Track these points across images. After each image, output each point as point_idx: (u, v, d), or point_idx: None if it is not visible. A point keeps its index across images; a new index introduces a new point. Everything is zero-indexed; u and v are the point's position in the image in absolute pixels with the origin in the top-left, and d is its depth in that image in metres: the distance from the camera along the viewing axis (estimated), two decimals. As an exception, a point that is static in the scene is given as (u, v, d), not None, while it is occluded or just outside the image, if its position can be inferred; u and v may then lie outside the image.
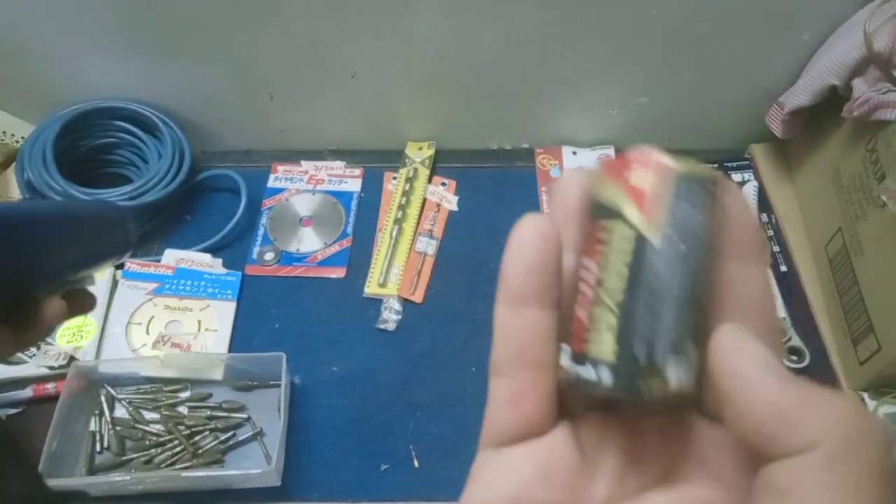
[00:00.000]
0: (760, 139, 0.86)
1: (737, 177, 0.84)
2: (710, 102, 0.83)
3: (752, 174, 0.84)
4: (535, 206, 0.83)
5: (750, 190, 0.82)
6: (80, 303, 0.44)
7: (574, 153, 0.88)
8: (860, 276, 0.66)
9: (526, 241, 0.19)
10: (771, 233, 0.78)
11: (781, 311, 0.70)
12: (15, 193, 0.76)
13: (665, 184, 0.18)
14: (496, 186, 0.86)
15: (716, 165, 0.85)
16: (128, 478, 0.60)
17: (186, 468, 0.63)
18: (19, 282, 0.38)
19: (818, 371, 0.67)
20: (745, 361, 0.17)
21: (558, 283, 0.19)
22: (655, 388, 0.17)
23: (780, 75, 0.78)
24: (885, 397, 0.63)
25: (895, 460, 0.15)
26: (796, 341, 0.68)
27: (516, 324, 0.19)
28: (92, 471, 0.63)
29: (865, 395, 0.64)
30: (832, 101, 0.71)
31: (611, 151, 0.87)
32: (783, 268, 0.75)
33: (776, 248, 0.77)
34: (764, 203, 0.81)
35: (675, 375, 0.18)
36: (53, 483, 0.59)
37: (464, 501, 0.19)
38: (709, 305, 0.18)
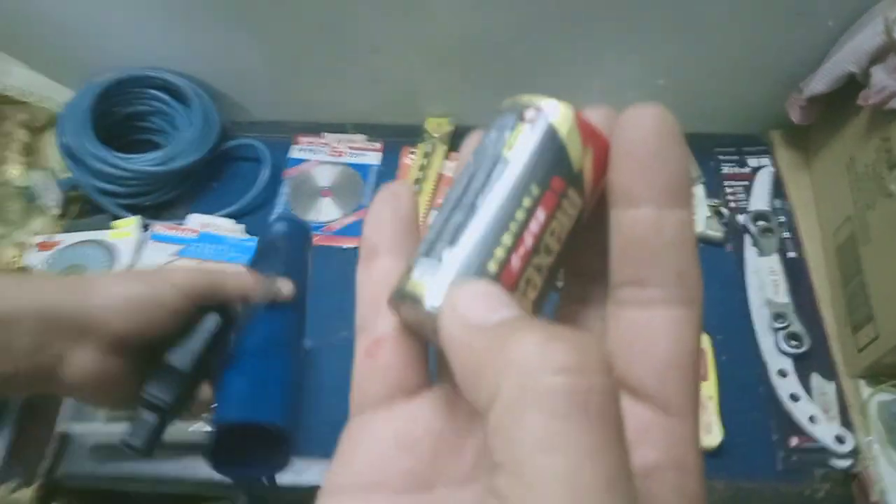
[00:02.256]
0: (781, 125, 0.85)
1: (753, 162, 0.84)
2: (730, 87, 0.83)
3: (769, 160, 0.84)
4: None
5: (765, 176, 0.82)
6: None
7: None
8: (865, 264, 0.66)
9: (377, 201, 0.20)
10: (783, 219, 0.78)
11: (785, 297, 0.71)
12: (53, 154, 0.80)
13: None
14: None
15: (733, 150, 0.85)
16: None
17: (196, 423, 0.66)
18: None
19: (817, 357, 0.68)
20: (463, 297, 0.15)
21: (414, 233, 0.19)
22: (412, 298, 0.17)
23: (802, 61, 0.77)
24: (882, 385, 0.63)
25: (600, 401, 0.12)
26: (797, 327, 0.68)
27: (370, 277, 0.19)
28: (112, 419, 0.67)
29: (862, 383, 0.64)
30: (853, 88, 0.70)
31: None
32: (791, 254, 0.75)
33: (787, 235, 0.77)
34: (778, 189, 0.81)
35: (419, 274, 0.17)
36: (77, 429, 0.64)
37: (325, 482, 0.17)
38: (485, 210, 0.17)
